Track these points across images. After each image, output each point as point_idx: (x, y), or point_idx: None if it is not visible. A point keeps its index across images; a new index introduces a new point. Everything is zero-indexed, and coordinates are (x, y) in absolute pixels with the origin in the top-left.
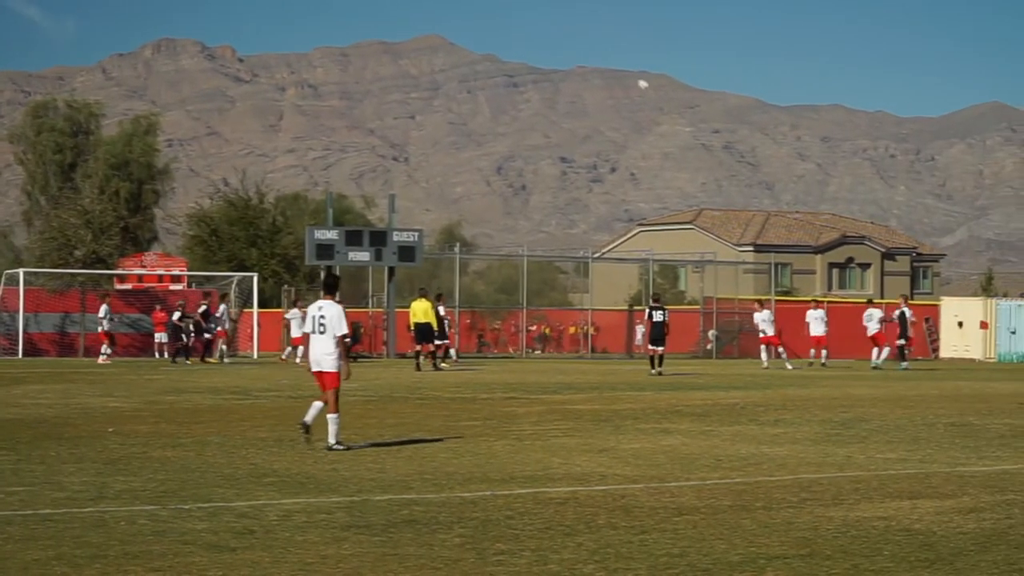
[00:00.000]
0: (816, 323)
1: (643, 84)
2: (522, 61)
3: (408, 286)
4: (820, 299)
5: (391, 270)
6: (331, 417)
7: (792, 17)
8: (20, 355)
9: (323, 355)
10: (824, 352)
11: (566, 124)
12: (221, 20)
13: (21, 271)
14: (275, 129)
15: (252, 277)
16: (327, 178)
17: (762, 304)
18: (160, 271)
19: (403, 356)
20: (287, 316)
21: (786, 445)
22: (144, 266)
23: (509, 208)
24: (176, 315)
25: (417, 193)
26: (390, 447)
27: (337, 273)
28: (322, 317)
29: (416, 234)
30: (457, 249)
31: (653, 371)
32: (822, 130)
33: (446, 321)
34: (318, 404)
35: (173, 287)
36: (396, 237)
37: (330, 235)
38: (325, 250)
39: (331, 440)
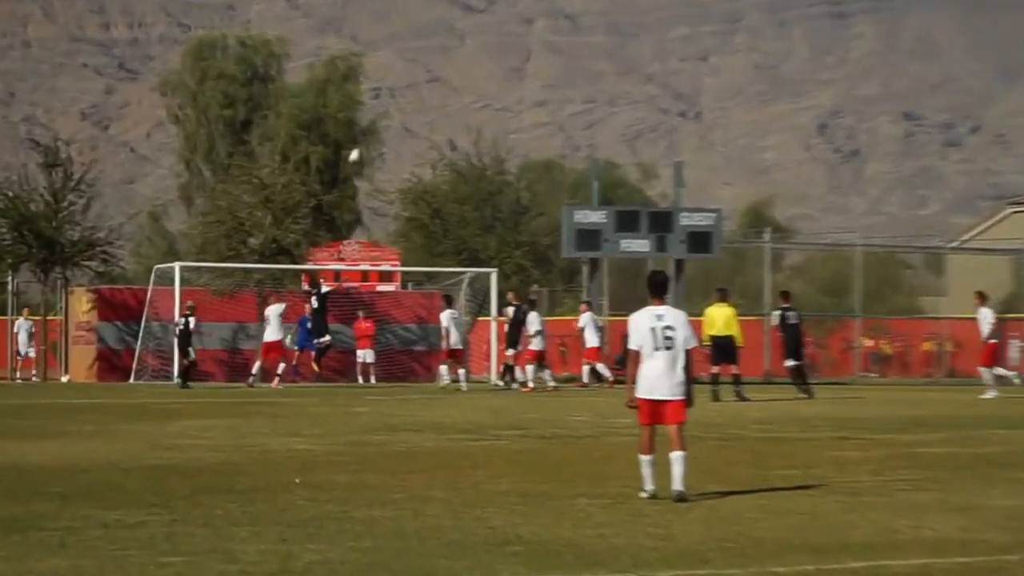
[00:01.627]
0: None
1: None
2: None
3: (701, 286)
4: None
5: (678, 264)
6: (679, 455)
7: None
8: (175, 379)
9: (669, 379)
10: None
11: (911, 68)
12: None
13: (176, 266)
14: (519, 74)
15: (490, 274)
16: (590, 140)
17: (983, 298)
18: (364, 266)
19: (695, 381)
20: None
21: None
22: (343, 259)
23: (836, 180)
24: (182, 321)
25: (713, 160)
26: (677, 503)
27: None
28: (668, 328)
29: (712, 215)
30: (767, 236)
31: None
32: None
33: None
34: (648, 459)
35: (382, 287)
36: (685, 220)
37: (595, 217)
38: (589, 237)
39: (678, 485)
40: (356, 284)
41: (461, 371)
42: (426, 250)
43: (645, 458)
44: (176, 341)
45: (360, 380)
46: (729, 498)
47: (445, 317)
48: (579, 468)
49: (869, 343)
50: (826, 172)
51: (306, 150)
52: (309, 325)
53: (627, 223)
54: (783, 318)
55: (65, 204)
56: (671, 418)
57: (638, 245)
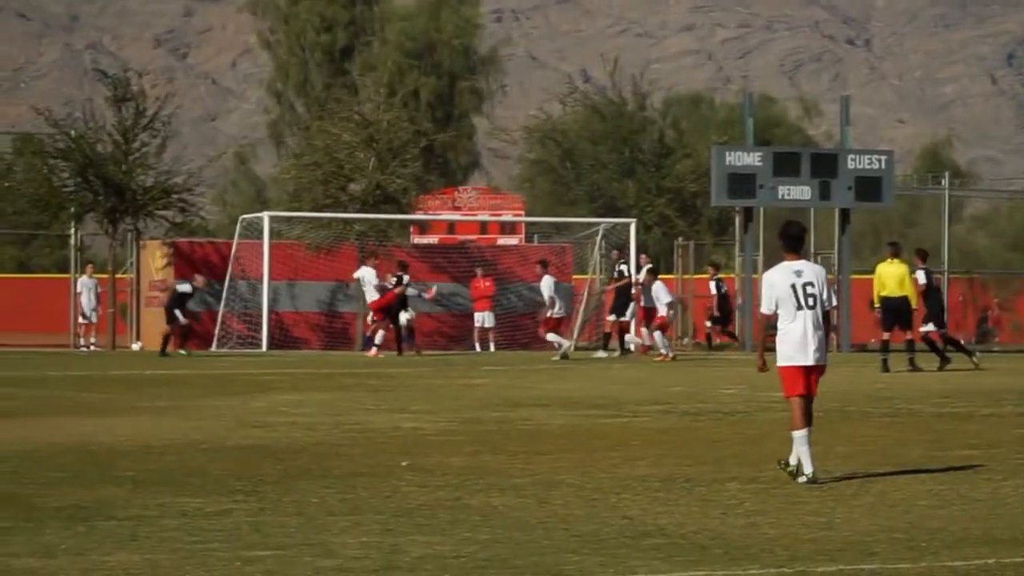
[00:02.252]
0: None
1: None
2: None
3: (870, 240)
4: None
5: (844, 214)
6: (803, 435)
7: None
8: (265, 347)
9: (817, 342)
10: None
11: None
12: None
13: (266, 215)
14: None
15: (628, 225)
16: (744, 71)
17: None
18: (483, 216)
19: (862, 348)
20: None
21: None
22: (458, 208)
23: None
24: (188, 288)
25: (885, 95)
26: (840, 489)
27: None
28: (808, 285)
29: (883, 158)
30: (945, 182)
31: None
32: None
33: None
34: (803, 434)
35: (503, 241)
36: (852, 163)
37: (750, 159)
38: (742, 183)
39: (803, 467)
40: (473, 237)
41: (551, 335)
42: (554, 197)
43: (800, 434)
44: (171, 305)
45: (478, 348)
46: (899, 482)
47: (548, 285)
48: (729, 449)
49: None
50: (1015, 108)
51: (416, 82)
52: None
53: (786, 167)
54: (930, 280)
55: (136, 145)
56: (814, 388)
57: (798, 192)
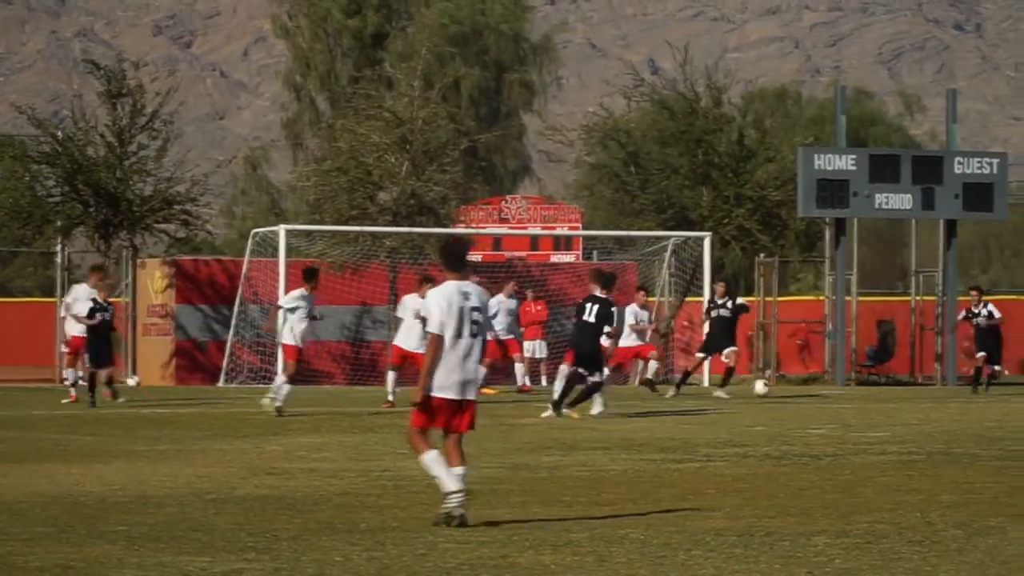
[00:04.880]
0: None
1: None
2: None
3: (980, 256)
4: None
5: (950, 226)
6: (464, 472)
7: None
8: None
9: (475, 374)
10: None
11: None
12: None
13: (282, 229)
14: None
15: (702, 239)
16: (836, 61)
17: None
18: (534, 230)
19: (974, 380)
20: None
21: None
22: (506, 220)
23: None
24: (105, 305)
25: (998, 87)
26: (944, 543)
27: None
28: (476, 310)
29: (995, 161)
30: None
31: None
32: None
33: None
34: (434, 455)
35: (558, 258)
36: (960, 167)
37: (842, 163)
38: (833, 190)
39: (463, 508)
40: (522, 253)
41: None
42: (617, 208)
43: (431, 455)
44: (89, 335)
45: (525, 381)
46: (1012, 535)
47: (630, 312)
48: (817, 498)
49: None
50: None
51: (457, 73)
52: None
53: (884, 171)
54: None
55: (133, 148)
56: (466, 424)
57: (897, 201)
